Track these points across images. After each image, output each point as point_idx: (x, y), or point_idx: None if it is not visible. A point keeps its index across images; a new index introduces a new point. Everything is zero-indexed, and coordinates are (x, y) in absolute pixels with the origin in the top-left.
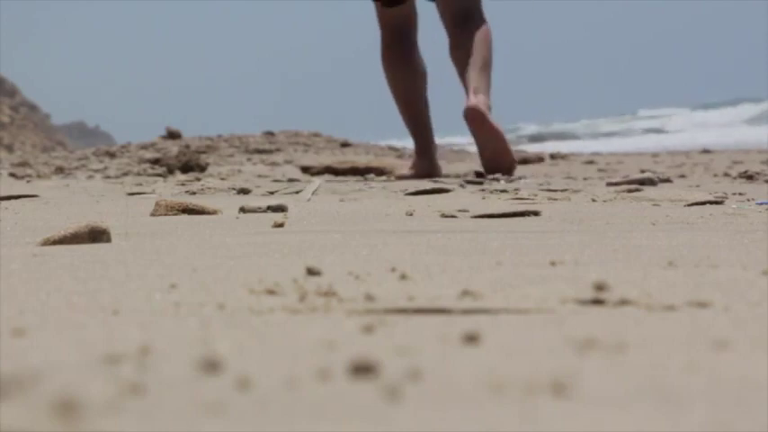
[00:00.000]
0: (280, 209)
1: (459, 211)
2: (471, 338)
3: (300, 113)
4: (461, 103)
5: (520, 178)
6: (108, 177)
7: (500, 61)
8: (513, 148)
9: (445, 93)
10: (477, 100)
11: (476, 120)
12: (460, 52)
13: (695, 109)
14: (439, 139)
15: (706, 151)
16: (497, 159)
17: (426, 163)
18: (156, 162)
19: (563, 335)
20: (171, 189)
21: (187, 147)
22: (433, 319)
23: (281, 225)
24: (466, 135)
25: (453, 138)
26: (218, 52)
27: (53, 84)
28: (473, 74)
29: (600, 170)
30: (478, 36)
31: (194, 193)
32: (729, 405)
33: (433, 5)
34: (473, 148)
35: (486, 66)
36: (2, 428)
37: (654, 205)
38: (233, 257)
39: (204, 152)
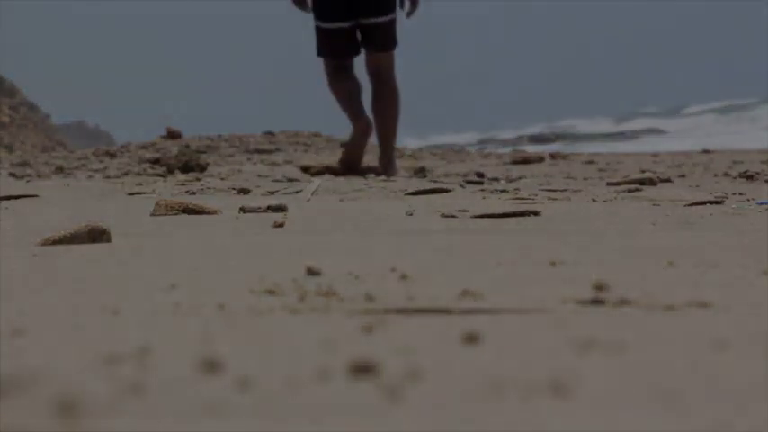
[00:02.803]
0: (280, 209)
1: (459, 211)
2: (471, 338)
3: (300, 113)
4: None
5: (520, 178)
6: (108, 177)
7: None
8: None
9: (444, 98)
10: (383, 167)
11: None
12: (377, 117)
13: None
14: (440, 139)
15: (706, 151)
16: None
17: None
18: (156, 162)
19: (563, 335)
20: (171, 189)
21: (187, 147)
22: (433, 319)
23: (281, 225)
24: (464, 135)
25: (453, 138)
26: (219, 52)
27: (53, 84)
28: (384, 141)
29: (600, 170)
30: (391, 110)
31: (194, 193)
32: (729, 405)
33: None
34: (472, 148)
35: (394, 132)
36: (2, 428)
37: (654, 205)
38: (233, 257)
39: (204, 152)
